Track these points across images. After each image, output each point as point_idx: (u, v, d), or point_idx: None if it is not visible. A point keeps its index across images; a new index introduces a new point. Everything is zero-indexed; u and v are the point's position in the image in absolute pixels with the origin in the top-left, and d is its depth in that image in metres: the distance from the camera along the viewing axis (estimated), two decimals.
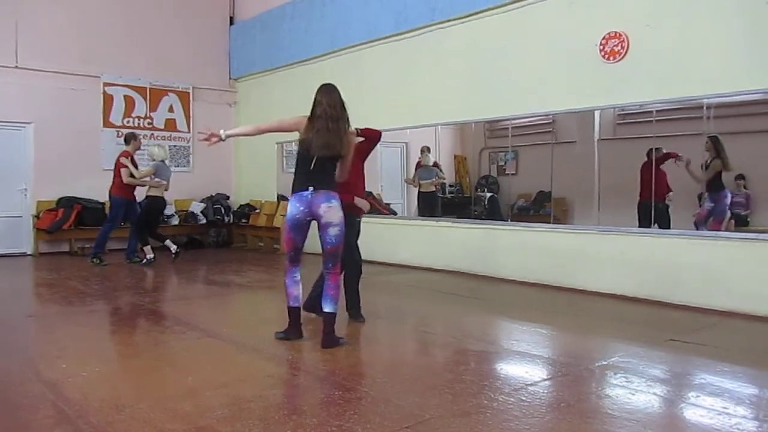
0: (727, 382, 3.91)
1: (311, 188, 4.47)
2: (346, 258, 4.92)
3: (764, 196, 6.99)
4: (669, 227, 6.66)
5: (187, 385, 3.73)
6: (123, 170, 8.96)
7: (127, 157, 9.05)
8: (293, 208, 4.53)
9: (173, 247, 9.40)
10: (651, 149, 6.78)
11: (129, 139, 9.36)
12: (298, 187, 4.54)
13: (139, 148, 9.49)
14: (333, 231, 4.50)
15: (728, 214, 6.61)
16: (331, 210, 4.47)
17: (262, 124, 4.89)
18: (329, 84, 4.70)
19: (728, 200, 6.63)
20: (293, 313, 4.70)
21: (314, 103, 4.58)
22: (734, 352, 4.72)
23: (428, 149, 9.58)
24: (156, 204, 9.28)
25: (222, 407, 3.29)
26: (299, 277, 4.69)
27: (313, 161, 4.47)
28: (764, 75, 5.71)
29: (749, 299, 5.74)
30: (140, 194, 9.32)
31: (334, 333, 4.57)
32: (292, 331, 4.69)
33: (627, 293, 6.58)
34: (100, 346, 4.76)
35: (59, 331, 5.23)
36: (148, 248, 9.23)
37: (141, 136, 9.88)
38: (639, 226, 6.75)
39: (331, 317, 4.57)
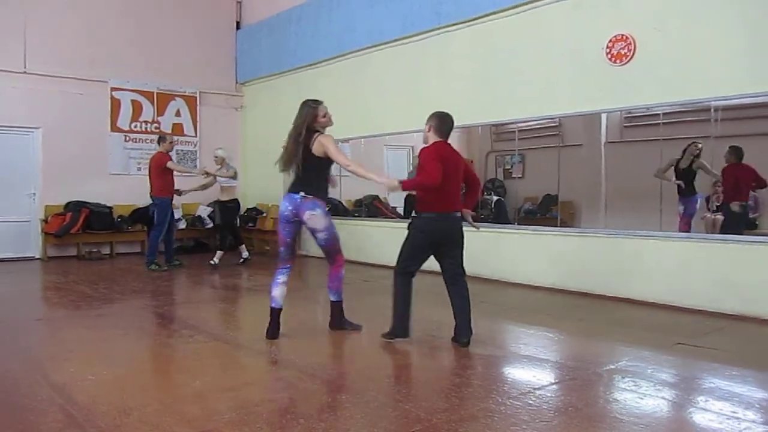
0: (736, 386, 3.88)
1: (302, 193, 4.79)
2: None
3: None
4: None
5: (195, 388, 3.74)
6: (175, 169, 9.21)
7: (170, 159, 9.22)
8: (283, 206, 4.90)
9: (245, 253, 10.00)
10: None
11: (162, 140, 9.33)
12: (291, 188, 4.90)
13: (171, 150, 9.44)
14: (320, 236, 4.92)
15: None
16: (313, 218, 4.82)
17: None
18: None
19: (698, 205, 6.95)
20: (272, 313, 4.99)
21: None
22: (743, 355, 4.69)
23: None
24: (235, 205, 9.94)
25: (229, 411, 3.30)
26: (283, 279, 5.00)
27: (301, 167, 4.79)
28: None
29: (759, 303, 5.70)
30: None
31: (342, 317, 5.19)
32: (270, 330, 4.97)
33: (635, 297, 6.55)
34: (107, 350, 4.77)
35: (67, 334, 5.25)
36: (242, 247, 10.02)
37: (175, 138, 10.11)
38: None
39: (338, 305, 5.18)
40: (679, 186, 6.95)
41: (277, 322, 4.99)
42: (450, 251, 4.75)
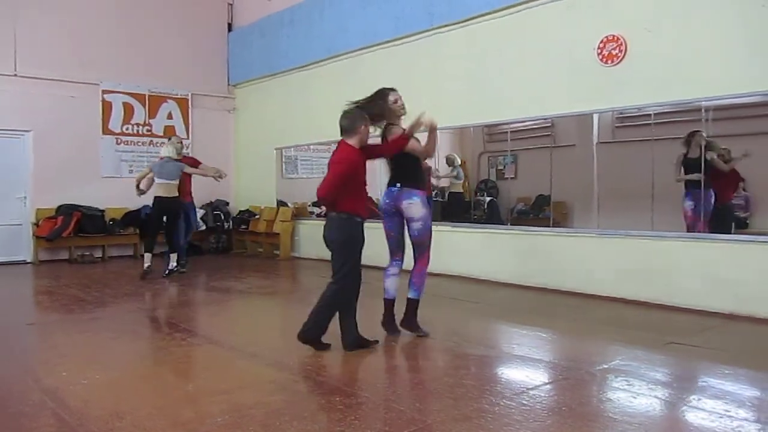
0: (728, 385, 3.90)
1: (398, 185, 4.87)
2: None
3: (764, 199, 6.99)
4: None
5: (188, 391, 3.73)
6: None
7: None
8: (382, 201, 5.02)
9: (173, 263, 8.73)
10: None
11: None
12: (389, 182, 4.99)
13: (179, 150, 8.99)
14: (415, 225, 4.86)
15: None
16: (411, 206, 4.82)
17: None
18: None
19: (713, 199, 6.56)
20: (385, 305, 4.99)
21: None
22: (736, 354, 4.71)
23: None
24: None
25: (223, 414, 3.29)
26: (394, 272, 5.02)
27: (392, 160, 4.95)
28: (762, 77, 5.71)
29: (750, 302, 5.74)
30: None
31: (414, 318, 4.94)
32: (387, 323, 4.97)
33: (627, 296, 6.57)
34: (100, 354, 4.75)
35: (59, 338, 5.22)
36: (173, 255, 8.73)
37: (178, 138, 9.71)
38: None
39: (412, 303, 4.93)
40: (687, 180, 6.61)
41: (392, 313, 5.01)
42: None
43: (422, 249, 4.93)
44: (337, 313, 4.59)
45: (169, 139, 9.51)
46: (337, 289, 4.51)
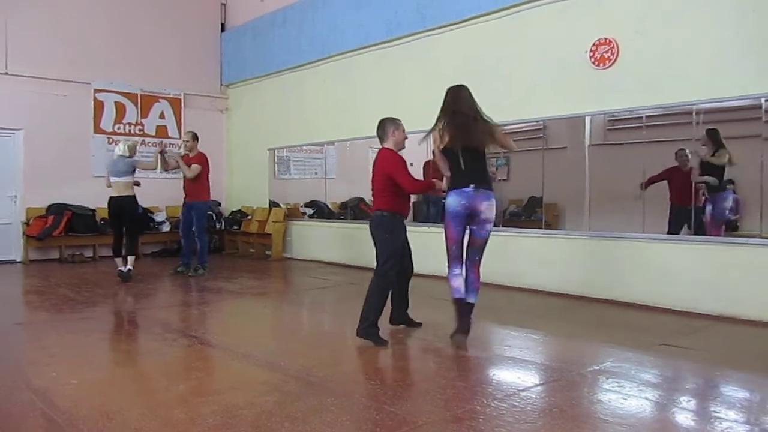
0: (718, 386, 3.93)
1: (473, 186, 4.66)
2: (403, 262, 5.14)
3: (753, 201, 7.03)
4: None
5: (179, 392, 3.72)
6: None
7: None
8: (454, 203, 4.71)
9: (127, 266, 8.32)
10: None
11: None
12: (455, 184, 4.75)
13: (188, 148, 8.89)
14: (489, 227, 4.77)
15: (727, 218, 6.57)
16: (491, 207, 4.71)
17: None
18: (455, 86, 4.99)
19: (729, 203, 6.56)
20: (459, 304, 4.80)
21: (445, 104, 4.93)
22: (725, 356, 4.74)
23: None
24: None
25: (214, 414, 3.28)
26: (459, 271, 4.84)
27: (461, 158, 4.69)
28: (752, 81, 5.77)
29: (740, 304, 5.78)
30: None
31: (470, 319, 4.82)
32: (461, 326, 4.78)
33: (618, 298, 6.61)
34: (90, 354, 4.73)
35: (49, 338, 5.19)
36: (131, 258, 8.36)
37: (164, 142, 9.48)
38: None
39: (472, 308, 4.83)
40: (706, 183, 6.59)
41: (467, 313, 4.83)
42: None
43: (483, 251, 4.87)
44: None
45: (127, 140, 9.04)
46: (380, 282, 4.86)
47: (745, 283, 5.77)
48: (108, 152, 11.15)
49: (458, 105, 4.79)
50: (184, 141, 8.92)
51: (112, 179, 8.25)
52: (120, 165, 8.27)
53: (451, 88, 4.95)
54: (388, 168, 4.92)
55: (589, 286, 6.88)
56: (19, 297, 7.82)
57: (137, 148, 9.04)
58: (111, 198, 8.27)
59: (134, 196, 8.36)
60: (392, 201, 4.94)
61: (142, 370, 4.36)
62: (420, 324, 5.43)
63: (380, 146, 5.12)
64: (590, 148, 7.43)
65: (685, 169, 6.73)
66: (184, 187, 8.91)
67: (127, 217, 8.36)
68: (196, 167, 8.64)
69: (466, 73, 8.18)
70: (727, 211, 6.60)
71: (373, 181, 5.05)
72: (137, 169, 8.45)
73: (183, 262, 9.05)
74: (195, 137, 8.88)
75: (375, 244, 5.01)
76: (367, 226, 5.12)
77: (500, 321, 5.95)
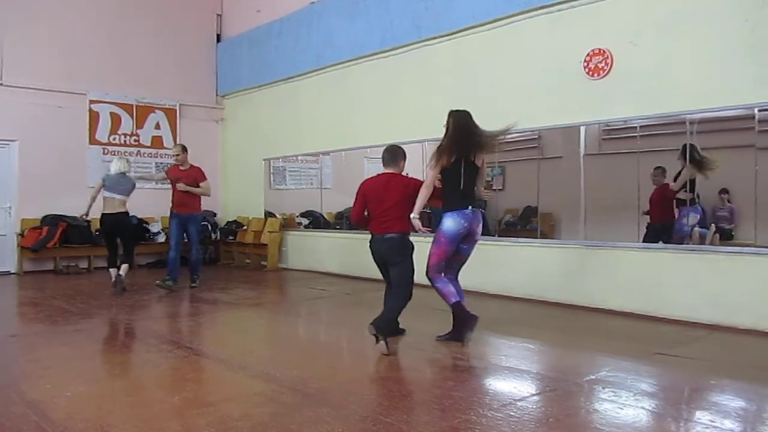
0: (714, 395, 3.93)
1: (470, 207, 5.01)
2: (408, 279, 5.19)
3: (748, 211, 7.06)
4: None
5: (174, 404, 3.70)
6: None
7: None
8: (455, 224, 4.99)
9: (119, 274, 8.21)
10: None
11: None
12: (456, 205, 5.01)
13: (179, 161, 8.65)
14: (475, 245, 5.20)
15: (688, 232, 6.66)
16: (480, 227, 5.13)
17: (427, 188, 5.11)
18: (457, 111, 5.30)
19: (686, 220, 6.66)
20: (460, 305, 5.03)
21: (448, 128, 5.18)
22: (721, 365, 4.74)
23: None
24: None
25: (209, 426, 3.26)
26: (446, 279, 5.16)
27: (462, 180, 4.97)
28: (746, 91, 5.80)
29: (735, 313, 5.78)
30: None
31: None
32: (470, 323, 4.98)
33: (614, 307, 6.61)
34: (84, 366, 4.70)
35: (43, 350, 5.16)
36: (124, 266, 8.23)
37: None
38: None
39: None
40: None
41: (466, 311, 5.07)
42: (391, 267, 5.14)
43: (463, 265, 5.33)
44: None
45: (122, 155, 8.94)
46: (405, 294, 5.07)
47: (740, 292, 5.78)
48: (104, 163, 11.12)
49: (469, 126, 5.16)
50: (174, 155, 8.77)
51: (107, 194, 8.11)
52: (123, 182, 8.16)
53: (458, 111, 5.27)
54: (413, 187, 5.12)
55: (585, 296, 6.88)
56: (13, 309, 7.78)
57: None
58: (104, 215, 8.14)
59: (128, 212, 8.30)
60: (408, 223, 5.08)
61: (137, 382, 4.34)
62: (404, 330, 5.47)
63: (379, 159, 5.29)
64: (585, 157, 7.46)
65: (658, 186, 6.93)
66: (173, 199, 8.67)
67: (123, 234, 8.32)
68: (207, 184, 8.64)
69: (461, 84, 8.25)
70: (686, 227, 6.69)
71: (384, 206, 5.09)
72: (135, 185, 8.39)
73: (172, 277, 8.35)
74: (184, 149, 8.68)
75: (387, 263, 5.16)
76: (363, 232, 5.15)
77: (496, 330, 5.94)
